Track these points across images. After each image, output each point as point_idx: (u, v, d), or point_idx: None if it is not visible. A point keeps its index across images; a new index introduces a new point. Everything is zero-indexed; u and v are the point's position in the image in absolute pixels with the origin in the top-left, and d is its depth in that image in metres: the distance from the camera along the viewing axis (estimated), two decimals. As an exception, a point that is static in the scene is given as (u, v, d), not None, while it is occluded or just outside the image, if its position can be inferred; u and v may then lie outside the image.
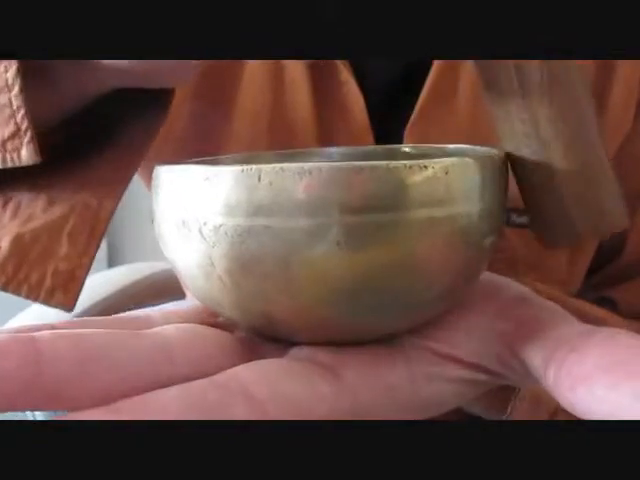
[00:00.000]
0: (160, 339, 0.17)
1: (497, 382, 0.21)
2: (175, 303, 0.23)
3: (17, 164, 0.27)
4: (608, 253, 0.44)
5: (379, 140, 0.40)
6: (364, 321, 0.19)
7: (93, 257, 0.29)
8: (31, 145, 0.26)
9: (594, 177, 0.22)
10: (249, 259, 0.17)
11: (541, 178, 0.22)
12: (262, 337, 0.21)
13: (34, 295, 0.28)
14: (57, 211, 0.28)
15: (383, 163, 0.17)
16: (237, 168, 0.17)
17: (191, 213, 0.18)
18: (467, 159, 0.18)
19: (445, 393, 0.20)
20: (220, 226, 0.17)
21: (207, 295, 0.20)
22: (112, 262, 1.42)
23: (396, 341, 0.20)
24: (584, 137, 0.22)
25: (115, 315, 0.21)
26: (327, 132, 0.40)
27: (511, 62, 0.22)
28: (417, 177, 0.17)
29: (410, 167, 0.17)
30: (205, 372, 0.17)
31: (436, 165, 0.17)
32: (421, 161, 0.17)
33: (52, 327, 0.17)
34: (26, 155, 0.27)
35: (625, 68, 0.40)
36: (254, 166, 0.17)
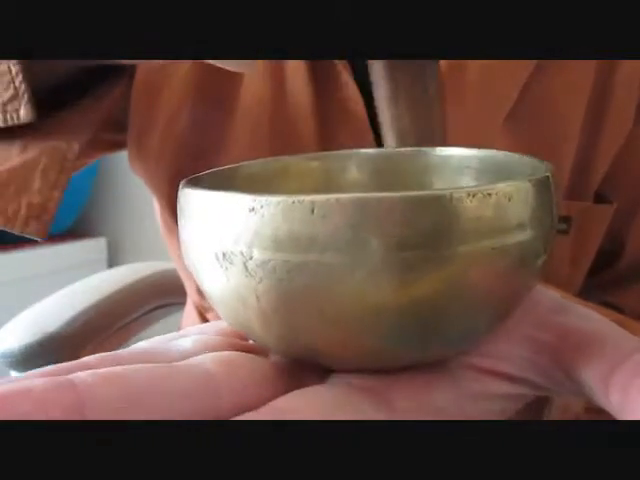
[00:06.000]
0: (202, 372, 0.17)
1: (540, 394, 0.21)
2: (199, 327, 0.22)
3: (16, 122, 0.31)
4: (608, 256, 0.44)
5: (379, 141, 0.39)
6: (418, 351, 0.18)
7: (62, 191, 0.33)
8: (29, 106, 0.31)
9: None
10: (299, 295, 0.16)
11: None
12: (299, 363, 0.20)
13: (11, 224, 0.31)
14: (30, 153, 0.32)
15: (446, 193, 0.15)
16: (287, 199, 0.15)
17: (234, 246, 0.16)
18: (527, 183, 0.17)
19: (490, 410, 0.19)
20: (269, 261, 0.16)
21: (246, 326, 0.18)
22: (112, 262, 1.41)
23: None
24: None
25: (145, 346, 0.20)
26: (328, 133, 0.40)
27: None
28: (480, 206, 0.16)
29: (474, 195, 0.16)
30: (248, 402, 0.16)
31: (499, 192, 0.16)
32: (483, 188, 0.16)
33: (87, 366, 0.16)
34: (24, 114, 0.31)
35: (625, 70, 0.39)
36: (305, 197, 0.15)
